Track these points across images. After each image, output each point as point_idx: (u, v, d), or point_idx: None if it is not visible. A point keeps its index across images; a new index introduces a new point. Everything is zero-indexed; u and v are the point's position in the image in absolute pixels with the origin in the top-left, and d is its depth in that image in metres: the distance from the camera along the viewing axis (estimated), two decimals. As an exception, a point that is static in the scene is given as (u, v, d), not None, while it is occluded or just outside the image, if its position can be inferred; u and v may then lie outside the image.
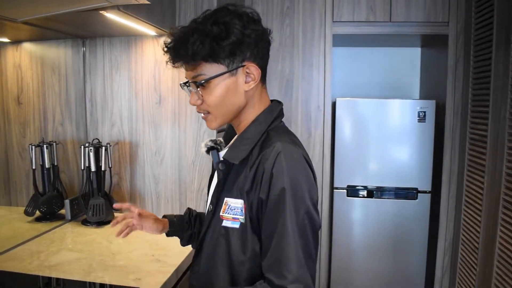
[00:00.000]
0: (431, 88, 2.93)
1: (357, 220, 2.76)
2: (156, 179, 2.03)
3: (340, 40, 2.81)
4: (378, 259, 2.76)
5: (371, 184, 2.72)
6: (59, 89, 2.10)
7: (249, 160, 0.94)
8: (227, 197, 0.96)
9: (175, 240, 1.26)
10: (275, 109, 1.02)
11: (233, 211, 0.94)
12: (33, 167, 1.94)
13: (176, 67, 0.95)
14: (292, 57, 2.66)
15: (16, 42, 2.09)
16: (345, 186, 2.74)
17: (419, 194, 2.68)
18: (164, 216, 1.26)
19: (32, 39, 2.08)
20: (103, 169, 1.92)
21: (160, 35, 1.97)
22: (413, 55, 3.19)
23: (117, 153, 2.05)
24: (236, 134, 1.06)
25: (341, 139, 2.73)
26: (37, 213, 1.95)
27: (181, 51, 0.90)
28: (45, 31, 1.91)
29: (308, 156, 0.97)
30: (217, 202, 0.99)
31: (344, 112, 2.72)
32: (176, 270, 1.44)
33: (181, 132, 1.99)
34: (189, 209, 1.29)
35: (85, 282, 1.33)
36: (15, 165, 2.13)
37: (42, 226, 1.89)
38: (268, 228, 0.90)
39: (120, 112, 2.04)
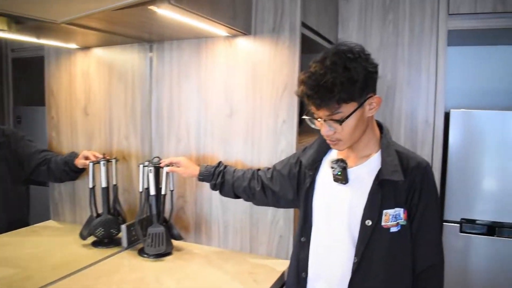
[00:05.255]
0: None
1: (474, 263, 2.19)
2: (224, 207, 1.73)
3: (455, 38, 2.28)
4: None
5: (493, 219, 2.14)
6: (125, 99, 1.90)
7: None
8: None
9: None
10: (387, 131, 1.22)
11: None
12: (90, 186, 1.74)
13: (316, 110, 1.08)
14: (395, 59, 2.20)
15: (85, 48, 1.94)
16: (459, 220, 2.20)
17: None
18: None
19: (99, 45, 1.91)
20: (163, 192, 1.66)
21: (233, 36, 1.67)
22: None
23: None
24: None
25: (455, 161, 2.19)
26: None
27: (327, 100, 1.04)
28: (109, 36, 1.71)
29: None
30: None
31: (459, 127, 2.18)
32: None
33: (255, 149, 1.67)
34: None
35: None
36: (80, 180, 1.97)
37: (95, 253, 1.68)
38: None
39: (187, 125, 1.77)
